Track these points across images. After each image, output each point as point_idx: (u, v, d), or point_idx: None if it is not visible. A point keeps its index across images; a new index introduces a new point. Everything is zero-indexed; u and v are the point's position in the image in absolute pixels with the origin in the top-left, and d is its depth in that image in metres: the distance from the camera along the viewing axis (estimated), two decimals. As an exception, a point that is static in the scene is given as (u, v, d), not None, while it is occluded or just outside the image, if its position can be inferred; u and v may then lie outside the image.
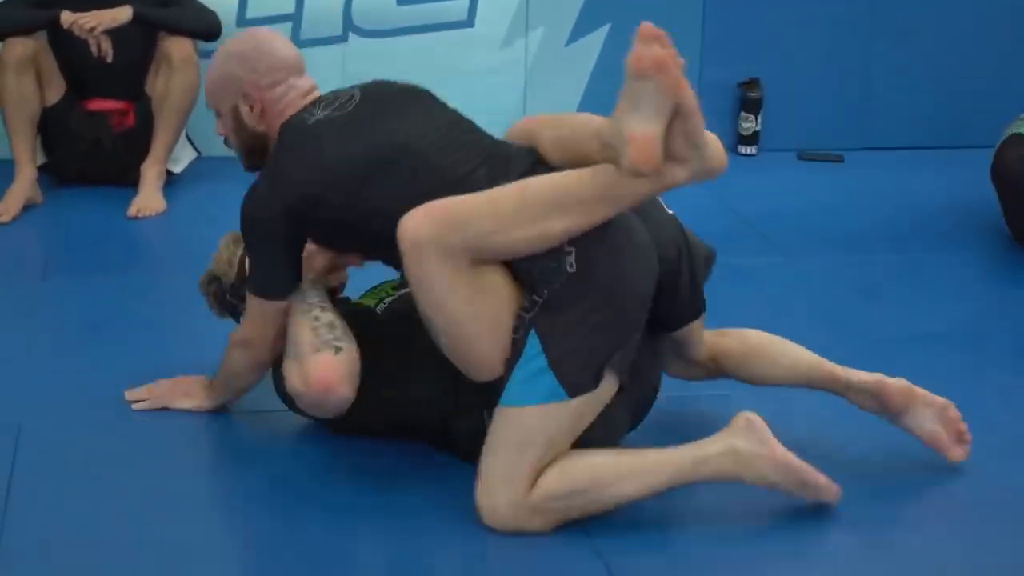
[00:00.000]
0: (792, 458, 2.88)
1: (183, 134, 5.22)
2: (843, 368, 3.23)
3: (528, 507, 2.83)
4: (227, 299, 3.43)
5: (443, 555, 2.88)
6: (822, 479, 2.91)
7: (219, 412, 3.34)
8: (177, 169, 5.23)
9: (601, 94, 5.80)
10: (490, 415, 2.90)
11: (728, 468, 2.85)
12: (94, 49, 4.97)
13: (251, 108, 3.16)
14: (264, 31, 3.35)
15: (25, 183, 4.94)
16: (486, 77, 5.71)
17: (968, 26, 5.94)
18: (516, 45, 5.72)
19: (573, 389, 2.80)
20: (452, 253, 2.75)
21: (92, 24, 4.95)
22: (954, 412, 3.16)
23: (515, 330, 2.83)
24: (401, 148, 2.96)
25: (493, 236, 2.77)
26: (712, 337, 3.30)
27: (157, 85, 5.09)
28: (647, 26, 2.75)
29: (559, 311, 2.80)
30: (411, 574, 2.84)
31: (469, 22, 5.68)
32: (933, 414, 3.15)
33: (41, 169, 5.09)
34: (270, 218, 3.01)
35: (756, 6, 5.80)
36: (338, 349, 2.93)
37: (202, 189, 5.18)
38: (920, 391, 3.17)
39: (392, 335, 3.15)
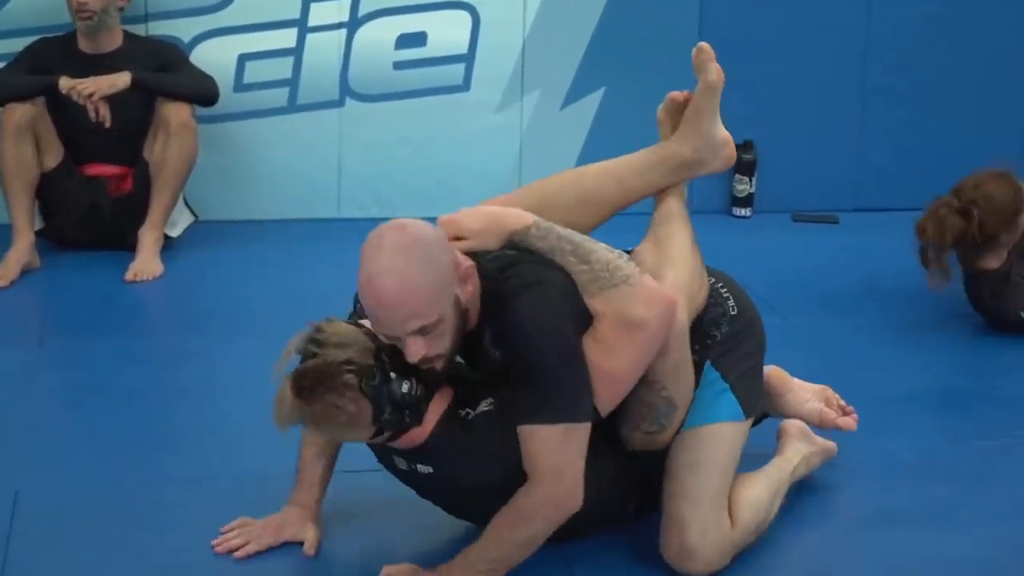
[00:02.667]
0: (828, 443, 3.37)
1: (180, 199, 5.24)
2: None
3: (731, 544, 2.96)
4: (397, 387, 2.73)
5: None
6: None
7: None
8: (174, 233, 5.24)
9: (596, 156, 5.80)
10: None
11: (801, 472, 3.26)
12: (92, 115, 5.00)
13: (463, 287, 2.75)
14: (410, 221, 2.76)
15: (23, 248, 4.96)
16: (482, 141, 5.74)
17: (960, 88, 5.99)
18: (512, 109, 5.76)
19: (749, 410, 3.03)
20: (688, 325, 2.96)
21: (91, 90, 4.99)
22: (832, 392, 3.42)
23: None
24: None
25: (697, 285, 3.03)
26: None
27: (155, 150, 5.11)
28: (707, 45, 3.11)
29: (727, 346, 3.04)
30: None
31: (465, 86, 5.72)
32: (812, 395, 3.39)
33: (39, 234, 5.11)
34: (571, 329, 2.76)
35: (749, 69, 5.84)
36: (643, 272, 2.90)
37: (199, 253, 5.20)
38: (796, 380, 3.43)
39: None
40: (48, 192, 5.11)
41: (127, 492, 3.28)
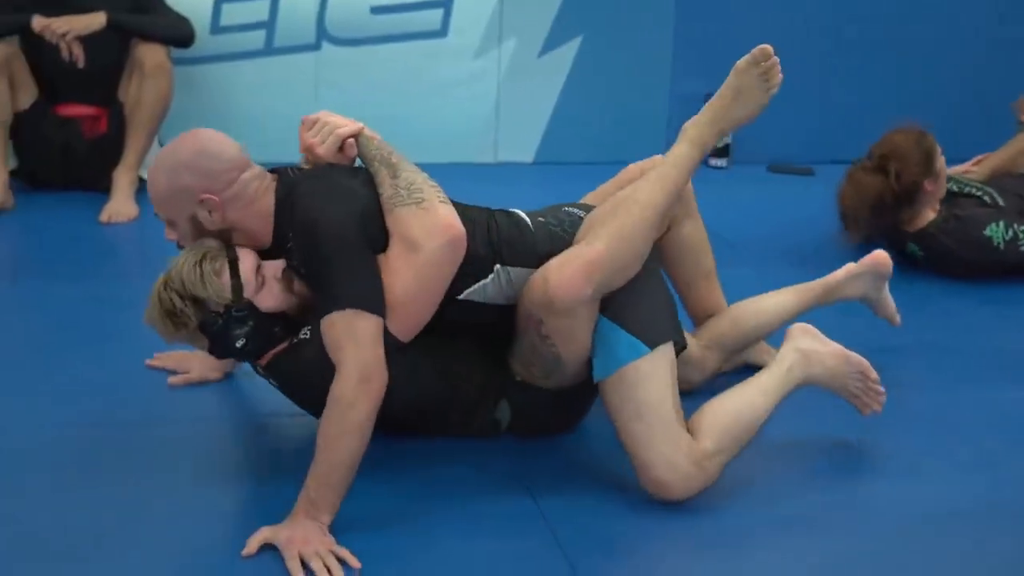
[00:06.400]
0: (847, 351, 3.25)
1: (155, 141, 5.22)
2: (818, 282, 3.70)
3: (707, 458, 2.98)
4: (232, 322, 3.01)
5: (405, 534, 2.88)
6: (874, 372, 3.26)
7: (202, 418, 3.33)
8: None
9: (574, 104, 5.83)
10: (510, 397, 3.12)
11: (801, 369, 3.19)
12: (65, 54, 4.97)
13: (210, 213, 3.00)
14: (201, 133, 3.12)
15: (-4, 188, 4.95)
16: (459, 87, 5.73)
17: (929, 40, 6.00)
18: (489, 55, 5.74)
19: (652, 340, 2.99)
20: (596, 299, 2.98)
21: (64, 29, 4.95)
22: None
23: None
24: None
25: (622, 273, 3.01)
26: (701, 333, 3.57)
27: (130, 91, 5.09)
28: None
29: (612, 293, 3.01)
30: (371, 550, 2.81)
31: (443, 32, 5.70)
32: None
33: (13, 174, 5.09)
34: (353, 225, 2.88)
35: (726, 19, 5.84)
36: (444, 200, 2.96)
37: (174, 196, 5.18)
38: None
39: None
40: (22, 132, 5.09)
41: (101, 433, 3.28)
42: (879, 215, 4.56)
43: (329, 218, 2.87)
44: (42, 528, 2.85)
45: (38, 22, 4.96)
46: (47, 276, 4.41)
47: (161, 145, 5.30)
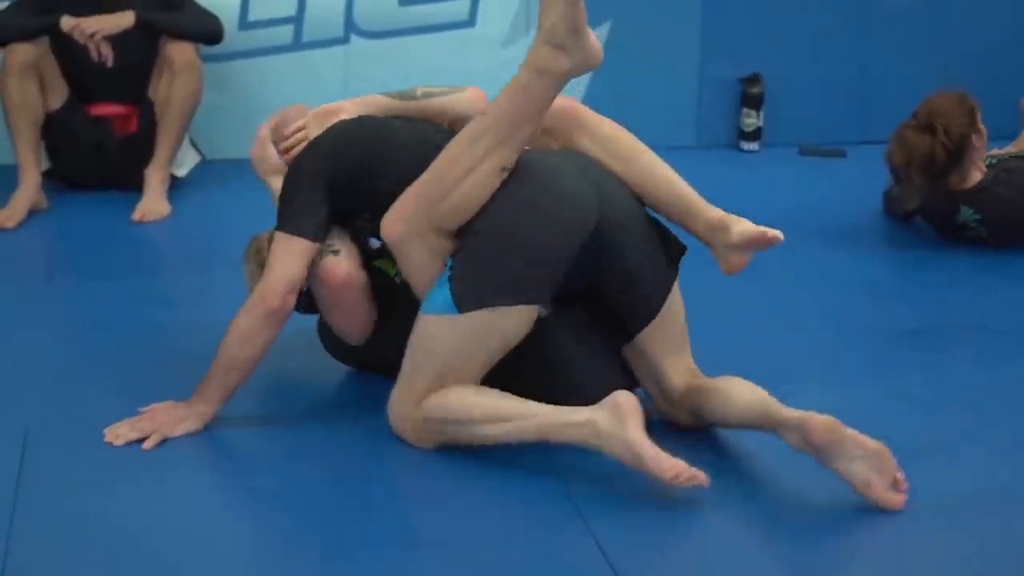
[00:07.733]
0: (643, 445, 2.85)
1: (187, 138, 5.23)
2: (779, 406, 3.02)
3: (412, 419, 3.12)
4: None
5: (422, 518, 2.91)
6: (667, 469, 2.83)
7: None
8: (181, 173, 5.24)
9: (603, 91, 5.80)
10: None
11: (587, 439, 2.95)
12: (94, 54, 4.99)
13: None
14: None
15: (30, 188, 4.96)
16: (488, 76, 5.69)
17: (966, 17, 5.95)
18: (518, 44, 5.72)
19: (461, 303, 3.03)
20: (425, 234, 3.11)
21: (93, 29, 4.97)
22: (889, 456, 2.89)
23: None
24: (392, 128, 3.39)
25: (447, 200, 3.07)
26: (692, 379, 3.26)
27: (160, 89, 5.10)
28: None
29: (473, 234, 3.09)
30: (391, 535, 2.84)
31: (471, 22, 5.69)
32: (864, 457, 2.88)
33: (46, 175, 5.11)
34: (317, 157, 3.25)
35: (756, 1, 5.81)
36: (336, 252, 3.25)
37: (206, 193, 5.20)
38: (850, 431, 2.88)
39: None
40: (54, 132, 5.11)
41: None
42: (929, 174, 4.53)
43: (305, 149, 3.28)
44: (69, 532, 2.87)
45: (66, 22, 4.98)
46: (81, 275, 4.43)
47: (192, 142, 5.32)
